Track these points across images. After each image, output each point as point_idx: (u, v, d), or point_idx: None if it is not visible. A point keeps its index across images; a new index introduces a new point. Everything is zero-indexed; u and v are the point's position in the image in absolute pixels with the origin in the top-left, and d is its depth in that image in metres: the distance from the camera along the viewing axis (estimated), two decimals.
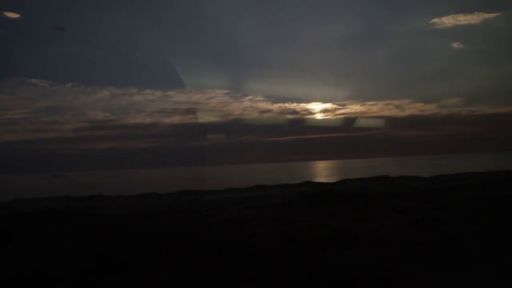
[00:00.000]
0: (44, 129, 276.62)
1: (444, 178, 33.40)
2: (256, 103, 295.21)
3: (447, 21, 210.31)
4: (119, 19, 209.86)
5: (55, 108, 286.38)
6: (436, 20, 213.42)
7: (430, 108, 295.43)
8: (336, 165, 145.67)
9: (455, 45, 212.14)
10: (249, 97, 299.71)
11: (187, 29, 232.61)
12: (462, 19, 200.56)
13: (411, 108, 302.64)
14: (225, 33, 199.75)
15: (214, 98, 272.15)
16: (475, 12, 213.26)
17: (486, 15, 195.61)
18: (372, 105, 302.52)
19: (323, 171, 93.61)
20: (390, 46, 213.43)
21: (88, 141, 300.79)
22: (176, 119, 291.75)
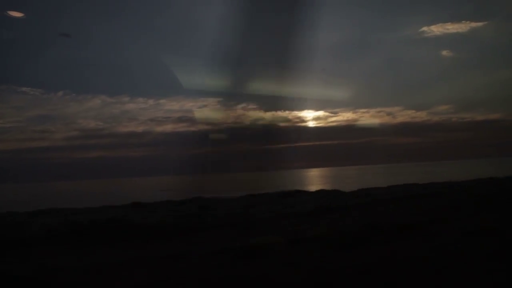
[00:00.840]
0: (35, 138, 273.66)
1: (363, 192, 25.53)
2: (249, 111, 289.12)
3: (436, 29, 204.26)
4: (111, 28, 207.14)
5: (46, 117, 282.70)
6: (425, 28, 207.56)
7: (421, 115, 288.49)
8: (320, 173, 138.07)
9: (444, 53, 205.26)
10: (242, 105, 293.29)
11: (179, 37, 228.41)
12: (451, 27, 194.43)
13: (403, 115, 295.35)
14: (217, 40, 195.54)
15: (207, 106, 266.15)
16: (463, 21, 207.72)
17: (473, 24, 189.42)
18: (364, 112, 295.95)
19: (295, 180, 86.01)
20: (381, 54, 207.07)
21: (79, 149, 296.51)
22: (168, 127, 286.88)
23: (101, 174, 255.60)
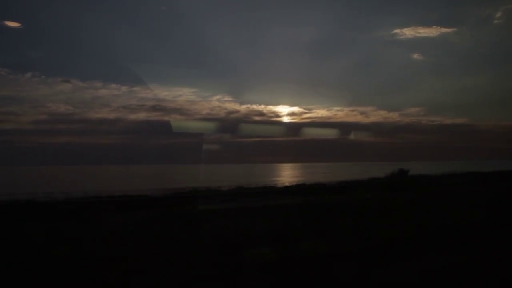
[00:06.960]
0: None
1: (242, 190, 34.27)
2: (224, 103, 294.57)
3: (408, 32, 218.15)
4: (87, 11, 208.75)
5: (12, 98, 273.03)
6: (397, 30, 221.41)
7: (393, 116, 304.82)
8: (281, 168, 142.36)
9: (415, 56, 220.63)
10: (217, 97, 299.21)
11: (156, 26, 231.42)
12: (422, 31, 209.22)
13: (375, 115, 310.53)
14: (194, 32, 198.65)
15: (181, 97, 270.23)
16: (433, 26, 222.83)
17: (443, 30, 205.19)
18: (338, 110, 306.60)
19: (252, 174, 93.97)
20: (355, 54, 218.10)
21: (47, 134, 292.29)
22: (141, 115, 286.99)
23: (69, 161, 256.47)
